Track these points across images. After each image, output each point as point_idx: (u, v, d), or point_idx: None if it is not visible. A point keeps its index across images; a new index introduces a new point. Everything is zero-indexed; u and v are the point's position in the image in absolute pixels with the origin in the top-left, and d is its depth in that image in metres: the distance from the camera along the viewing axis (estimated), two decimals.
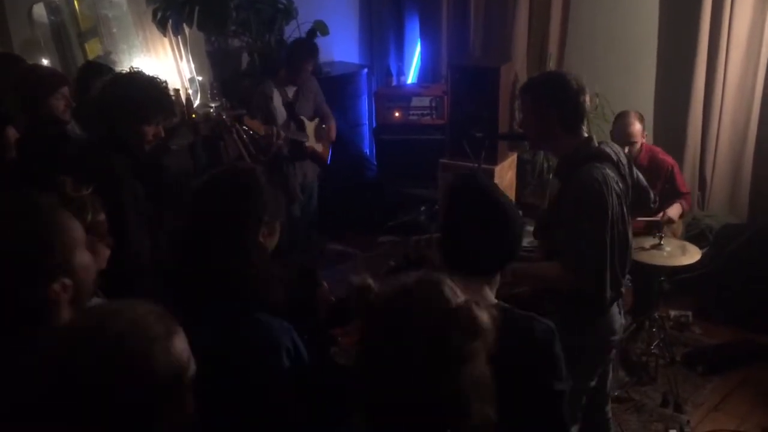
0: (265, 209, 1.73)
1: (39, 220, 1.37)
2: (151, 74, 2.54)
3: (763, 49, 4.14)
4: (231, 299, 1.64)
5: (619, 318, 2.40)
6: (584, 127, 2.31)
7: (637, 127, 3.66)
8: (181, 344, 1.09)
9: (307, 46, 4.34)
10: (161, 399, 1.03)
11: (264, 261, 1.71)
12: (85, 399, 1.00)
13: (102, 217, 1.77)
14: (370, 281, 1.20)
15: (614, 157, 2.27)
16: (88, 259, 1.43)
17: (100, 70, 3.15)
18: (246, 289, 1.65)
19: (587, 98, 2.25)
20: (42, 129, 2.80)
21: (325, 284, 2.18)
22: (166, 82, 2.53)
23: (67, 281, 1.35)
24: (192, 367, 1.10)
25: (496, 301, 1.65)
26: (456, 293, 1.18)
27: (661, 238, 3.35)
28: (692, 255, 3.33)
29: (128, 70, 2.61)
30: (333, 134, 4.50)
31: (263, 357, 1.61)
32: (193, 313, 1.64)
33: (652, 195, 2.67)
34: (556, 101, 2.21)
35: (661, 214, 3.54)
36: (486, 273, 1.68)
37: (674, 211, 3.64)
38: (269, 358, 1.61)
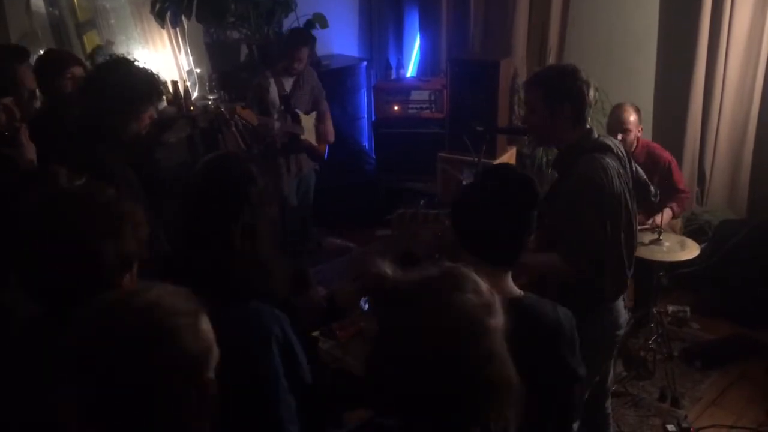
0: (255, 198, 1.73)
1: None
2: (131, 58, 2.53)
3: (764, 45, 4.12)
4: (220, 290, 1.63)
5: (624, 312, 2.40)
6: (588, 118, 2.31)
7: (631, 115, 3.65)
8: (206, 325, 1.09)
9: (301, 34, 4.31)
10: (185, 375, 1.03)
11: (259, 248, 1.70)
12: (112, 369, 1.00)
13: None
14: (388, 270, 1.16)
15: (615, 149, 2.27)
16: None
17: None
18: (233, 279, 1.64)
19: (592, 91, 2.25)
20: (50, 112, 2.85)
21: (316, 288, 2.16)
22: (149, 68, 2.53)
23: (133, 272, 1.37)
24: (215, 352, 1.10)
25: (518, 291, 1.65)
26: (480, 291, 1.14)
27: (660, 233, 3.35)
28: (691, 250, 3.33)
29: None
30: (330, 137, 4.44)
31: (251, 345, 1.59)
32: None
33: (652, 189, 2.66)
34: (570, 94, 2.20)
35: (650, 220, 3.54)
36: (511, 262, 1.67)
37: (664, 218, 3.62)
38: (257, 346, 1.60)
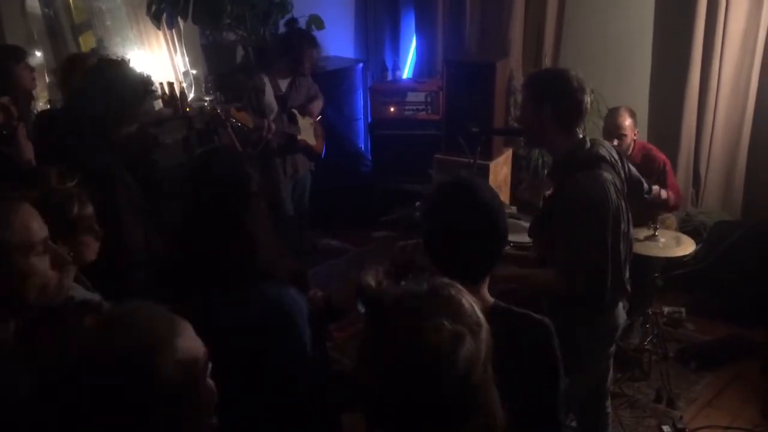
0: (256, 191, 1.74)
1: None
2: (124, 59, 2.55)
3: (758, 47, 4.14)
4: (240, 279, 1.64)
5: (622, 313, 2.41)
6: (579, 128, 2.29)
7: (626, 120, 3.66)
8: (186, 342, 1.07)
9: (308, 36, 4.28)
10: (175, 399, 1.03)
11: (269, 237, 1.72)
12: (91, 395, 0.99)
13: (89, 209, 1.76)
14: (379, 282, 1.17)
15: (608, 158, 2.27)
16: (39, 265, 1.37)
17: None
18: (254, 266, 1.65)
19: (587, 98, 2.24)
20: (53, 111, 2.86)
21: (314, 290, 2.17)
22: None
23: None
24: (204, 356, 1.09)
25: (493, 300, 1.64)
26: (469, 305, 1.15)
27: (655, 229, 3.36)
28: (687, 246, 3.33)
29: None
30: (316, 110, 4.42)
31: (291, 327, 1.64)
32: (205, 297, 1.65)
33: (645, 186, 2.67)
34: (553, 98, 2.20)
35: (653, 193, 3.53)
36: (477, 279, 1.63)
37: (664, 193, 3.64)
38: (296, 326, 1.65)
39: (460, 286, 1.18)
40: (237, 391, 1.55)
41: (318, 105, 4.45)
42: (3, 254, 1.30)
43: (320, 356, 1.73)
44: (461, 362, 1.08)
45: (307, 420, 1.68)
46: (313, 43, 4.21)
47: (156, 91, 3.85)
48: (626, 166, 2.41)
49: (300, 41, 4.15)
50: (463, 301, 1.14)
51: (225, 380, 1.14)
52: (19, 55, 3.01)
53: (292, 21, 4.59)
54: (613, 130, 3.65)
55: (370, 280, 1.17)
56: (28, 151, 2.32)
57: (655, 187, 3.58)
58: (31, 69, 3.08)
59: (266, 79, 4.11)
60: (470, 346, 1.09)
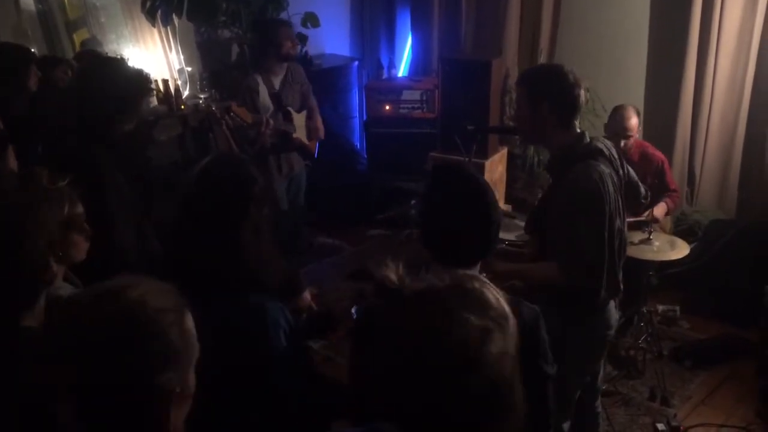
0: (259, 196, 1.74)
1: None
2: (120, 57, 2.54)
3: (753, 45, 4.15)
4: (226, 285, 1.64)
5: (615, 313, 2.41)
6: (577, 122, 2.30)
7: (633, 121, 3.67)
8: (191, 323, 1.10)
9: (275, 19, 4.33)
10: (172, 370, 1.04)
11: (262, 244, 1.71)
12: (97, 362, 1.01)
13: (80, 209, 1.74)
14: (400, 277, 1.11)
15: (607, 153, 2.27)
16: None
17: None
18: (240, 274, 1.65)
19: (582, 93, 2.24)
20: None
21: (307, 293, 2.17)
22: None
23: None
24: (197, 350, 1.11)
25: None
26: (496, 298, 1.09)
27: (650, 233, 3.37)
28: (681, 250, 3.34)
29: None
30: (321, 133, 4.36)
31: (263, 338, 1.63)
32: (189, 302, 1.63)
33: (642, 190, 2.66)
34: (551, 94, 2.20)
35: (647, 213, 3.55)
36: (468, 264, 1.67)
37: (659, 210, 3.65)
38: (269, 339, 1.63)
39: (483, 279, 1.14)
40: (210, 397, 1.55)
41: (319, 124, 4.38)
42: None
43: (301, 369, 1.71)
44: (491, 359, 1.01)
45: (288, 429, 1.67)
46: (283, 21, 4.23)
47: (153, 89, 3.84)
48: (625, 168, 2.41)
49: (270, 26, 4.15)
50: (488, 294, 1.07)
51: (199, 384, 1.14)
52: (32, 56, 3.01)
53: (256, 18, 4.60)
54: (620, 131, 3.64)
55: (391, 275, 1.10)
56: (13, 165, 2.31)
57: (649, 211, 3.57)
58: (36, 70, 3.05)
59: (259, 79, 4.08)
60: (499, 342, 1.02)
